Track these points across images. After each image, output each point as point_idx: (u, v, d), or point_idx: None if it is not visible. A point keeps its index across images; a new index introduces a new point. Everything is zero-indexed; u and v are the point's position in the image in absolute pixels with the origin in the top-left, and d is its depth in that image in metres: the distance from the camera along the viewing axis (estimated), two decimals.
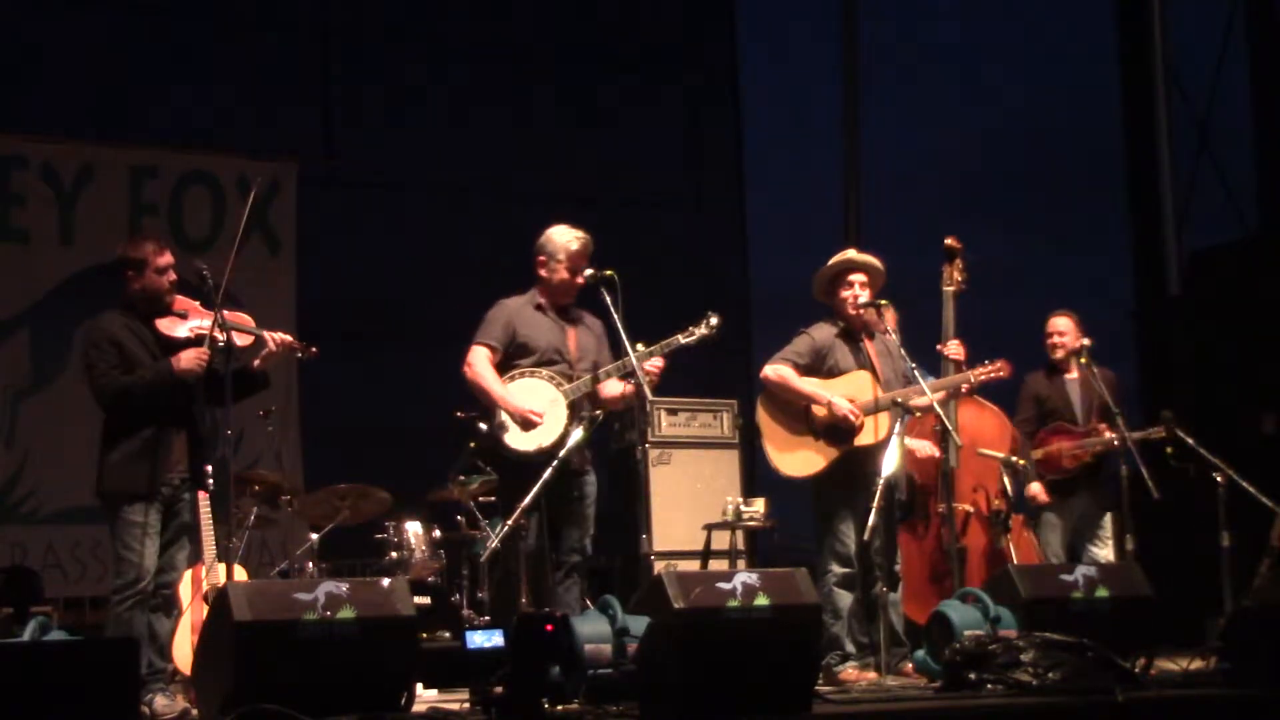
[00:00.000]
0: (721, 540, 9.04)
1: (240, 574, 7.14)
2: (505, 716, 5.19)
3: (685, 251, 11.91)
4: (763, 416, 7.25)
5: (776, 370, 7.18)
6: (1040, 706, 5.58)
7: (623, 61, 12.10)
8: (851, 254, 7.34)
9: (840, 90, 12.71)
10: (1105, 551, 8.12)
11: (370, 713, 5.16)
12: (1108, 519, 8.21)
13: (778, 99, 15.30)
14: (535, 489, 6.33)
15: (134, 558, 6.08)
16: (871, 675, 6.75)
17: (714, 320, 6.78)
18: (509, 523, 6.48)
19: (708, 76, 12.57)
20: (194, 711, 6.01)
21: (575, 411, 6.72)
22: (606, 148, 11.81)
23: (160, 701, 6.06)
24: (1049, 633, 5.92)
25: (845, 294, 7.17)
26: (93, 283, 9.41)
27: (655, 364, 6.67)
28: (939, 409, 6.93)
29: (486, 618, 7.86)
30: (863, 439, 7.01)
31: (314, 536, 8.14)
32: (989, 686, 5.76)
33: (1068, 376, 8.32)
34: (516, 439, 6.71)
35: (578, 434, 6.54)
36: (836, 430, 7.05)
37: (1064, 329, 8.32)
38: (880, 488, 6.61)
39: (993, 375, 7.24)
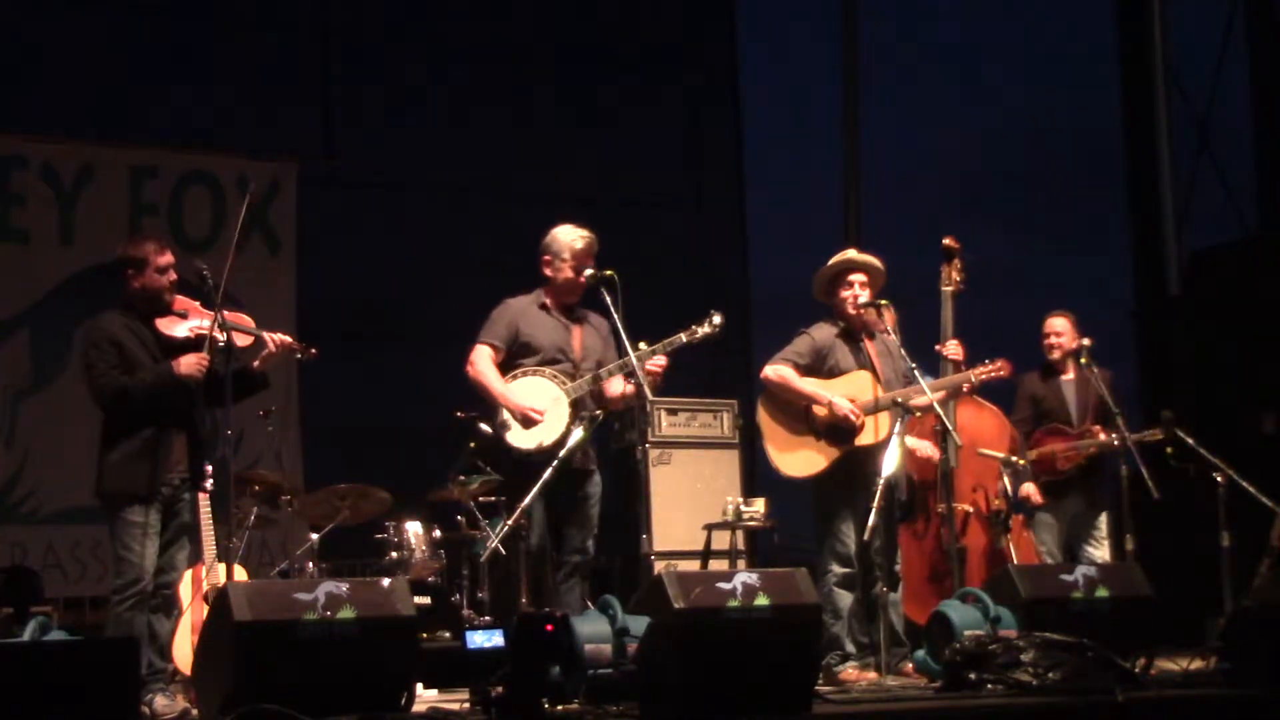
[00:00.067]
0: (721, 540, 9.04)
1: (240, 574, 7.14)
2: (505, 716, 5.19)
3: (685, 251, 11.91)
4: (763, 417, 7.25)
5: (777, 370, 7.18)
6: (1040, 706, 5.58)
7: (623, 61, 12.10)
8: (851, 254, 7.34)
9: (840, 90, 12.72)
10: (1101, 552, 8.12)
11: (370, 713, 5.16)
12: (1103, 519, 8.22)
13: (778, 99, 15.32)
14: (535, 489, 6.33)
15: (134, 558, 6.07)
16: (871, 675, 6.75)
17: (716, 319, 6.78)
18: (509, 522, 6.49)
19: (708, 76, 12.57)
20: (194, 711, 6.01)
21: (577, 410, 6.72)
22: (606, 148, 11.81)
23: (160, 701, 6.06)
24: (1049, 633, 5.92)
25: (845, 294, 7.17)
26: (93, 283, 9.41)
27: (658, 363, 6.67)
28: (939, 409, 6.93)
29: (486, 618, 7.86)
30: (863, 439, 7.01)
31: (314, 536, 8.14)
32: (989, 686, 5.75)
33: (1064, 378, 8.32)
34: (518, 437, 6.72)
35: (578, 433, 6.54)
36: (837, 430, 7.05)
37: (1061, 329, 8.32)
38: (880, 488, 6.61)
39: (993, 375, 7.25)
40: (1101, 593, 6.38)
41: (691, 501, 9.33)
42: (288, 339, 6.44)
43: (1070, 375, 8.31)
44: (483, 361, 6.83)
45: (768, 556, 9.26)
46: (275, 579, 7.90)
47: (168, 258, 6.27)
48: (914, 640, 6.82)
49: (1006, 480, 7.99)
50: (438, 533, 8.45)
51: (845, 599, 6.98)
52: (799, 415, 7.15)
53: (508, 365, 6.84)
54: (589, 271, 6.77)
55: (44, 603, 8.49)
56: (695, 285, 11.13)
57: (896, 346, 7.12)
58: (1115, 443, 7.87)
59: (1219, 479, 7.96)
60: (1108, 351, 8.61)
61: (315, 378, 9.63)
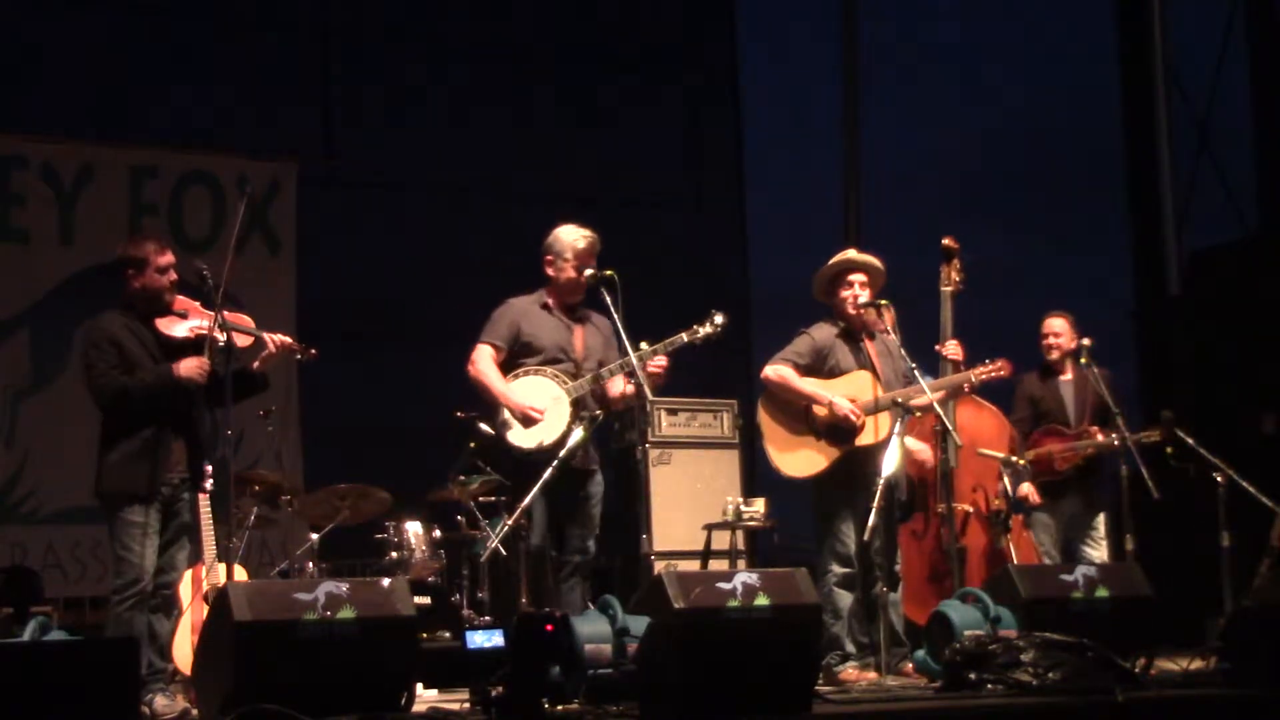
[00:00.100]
0: (721, 540, 9.04)
1: (240, 574, 7.14)
2: (505, 716, 5.19)
3: (685, 251, 11.91)
4: (763, 417, 7.25)
5: (777, 370, 7.18)
6: (1040, 706, 5.58)
7: (623, 61, 12.10)
8: (851, 254, 7.34)
9: (840, 90, 12.72)
10: (1098, 552, 8.12)
11: (370, 713, 5.16)
12: (1100, 519, 8.22)
13: (778, 99, 15.32)
14: (535, 488, 6.33)
15: (133, 558, 6.07)
16: (871, 675, 6.75)
17: (719, 319, 6.78)
18: (509, 522, 6.49)
19: (708, 76, 12.57)
20: (194, 711, 6.02)
21: (578, 410, 6.73)
22: (606, 148, 11.81)
23: (160, 701, 6.06)
24: (1049, 633, 5.93)
25: (845, 294, 7.17)
26: (93, 283, 9.41)
27: (659, 362, 6.67)
28: (939, 409, 6.93)
29: (486, 618, 7.86)
30: (863, 439, 7.01)
31: (314, 536, 8.14)
32: (989, 686, 5.76)
33: (1062, 378, 8.32)
34: (519, 436, 6.72)
35: (578, 433, 6.54)
36: (837, 430, 7.05)
37: (1059, 330, 8.32)
38: (880, 488, 6.61)
39: (993, 375, 7.24)
40: (1101, 593, 6.38)
41: (691, 501, 9.33)
42: (288, 340, 6.44)
43: (1068, 376, 8.31)
44: (484, 361, 6.84)
45: (768, 556, 9.26)
46: (275, 579, 7.90)
47: (168, 258, 6.27)
48: (914, 640, 6.82)
49: (1006, 480, 7.98)
50: (438, 533, 8.45)
51: (845, 599, 6.97)
52: (799, 415, 7.15)
53: (510, 365, 6.84)
54: (589, 271, 6.77)
55: (44, 603, 8.49)
56: (695, 285, 11.13)
57: (896, 346, 7.12)
58: (1115, 443, 7.86)
59: (1219, 479, 7.96)
60: (1108, 351, 8.61)
61: (315, 378, 9.63)
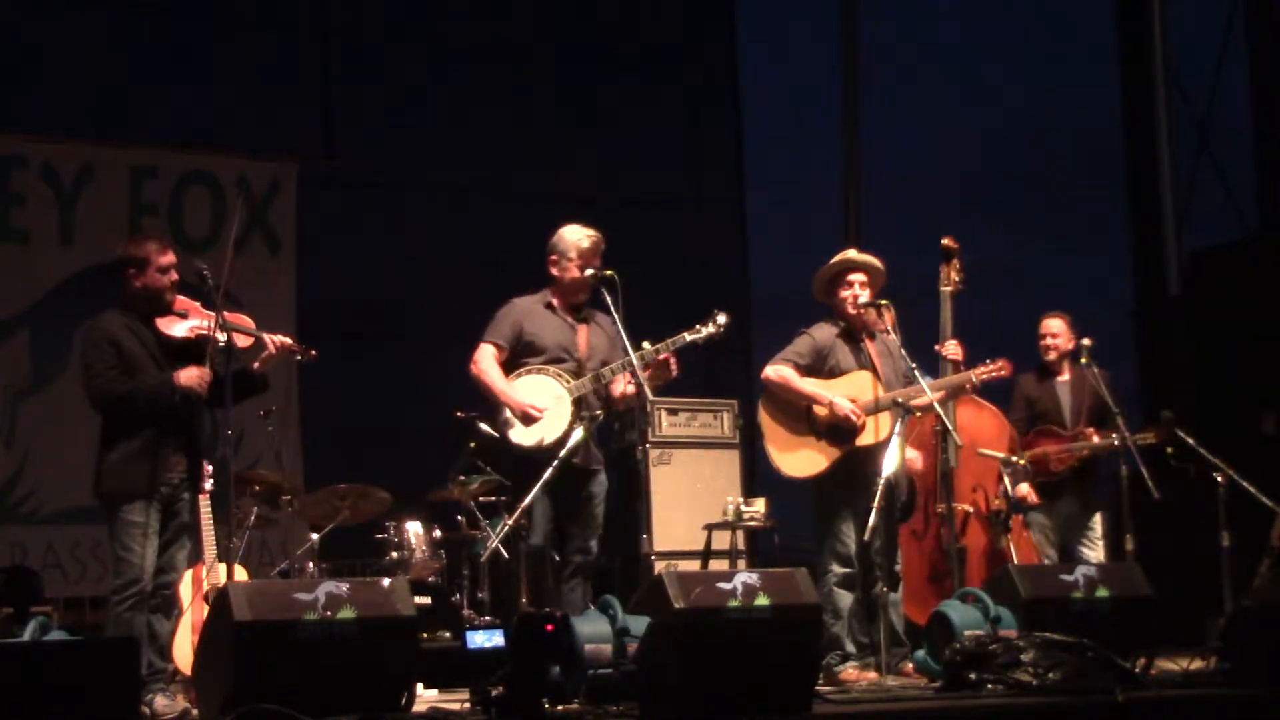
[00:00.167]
0: (722, 540, 9.04)
1: (240, 574, 7.14)
2: (505, 716, 5.19)
3: (685, 251, 11.91)
4: (764, 417, 7.24)
5: (778, 371, 7.18)
6: (1040, 706, 5.58)
7: (623, 61, 12.10)
8: (851, 254, 7.34)
9: (840, 90, 12.71)
10: (1095, 553, 8.12)
11: (370, 713, 5.16)
12: (1097, 520, 8.22)
13: (778, 99, 15.32)
14: (535, 488, 6.34)
15: (133, 558, 6.06)
16: (872, 675, 6.75)
17: (721, 319, 6.77)
18: (509, 522, 6.49)
19: (708, 76, 12.57)
20: (194, 711, 6.02)
21: (579, 409, 6.73)
22: (606, 148, 11.81)
23: (160, 701, 6.06)
24: (1049, 633, 5.93)
25: (845, 294, 7.17)
26: (93, 283, 9.41)
27: (669, 360, 6.67)
28: (939, 409, 6.93)
29: (487, 618, 7.87)
30: (864, 439, 7.00)
31: (314, 536, 8.15)
32: (989, 686, 5.76)
33: (1059, 379, 8.32)
34: (520, 434, 6.73)
35: (578, 433, 6.55)
36: (838, 430, 7.05)
37: (1057, 331, 8.31)
38: (880, 488, 6.61)
39: (994, 375, 7.24)
40: (1101, 593, 6.38)
41: (691, 501, 9.33)
42: (288, 340, 6.43)
43: (1066, 376, 8.31)
44: (486, 360, 6.84)
45: (768, 556, 9.26)
46: (275, 579, 7.90)
47: (169, 257, 6.27)
48: (914, 640, 6.82)
49: (1007, 480, 7.98)
50: (438, 533, 8.46)
51: (845, 599, 6.97)
52: (800, 415, 7.15)
53: (512, 364, 6.85)
54: (589, 272, 6.77)
55: (44, 603, 8.49)
56: (695, 285, 11.13)
57: (897, 346, 7.11)
58: (1115, 443, 7.86)
59: (1219, 479, 7.96)
60: (1108, 351, 8.61)
61: (315, 378, 9.63)
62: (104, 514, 6.22)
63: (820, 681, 6.05)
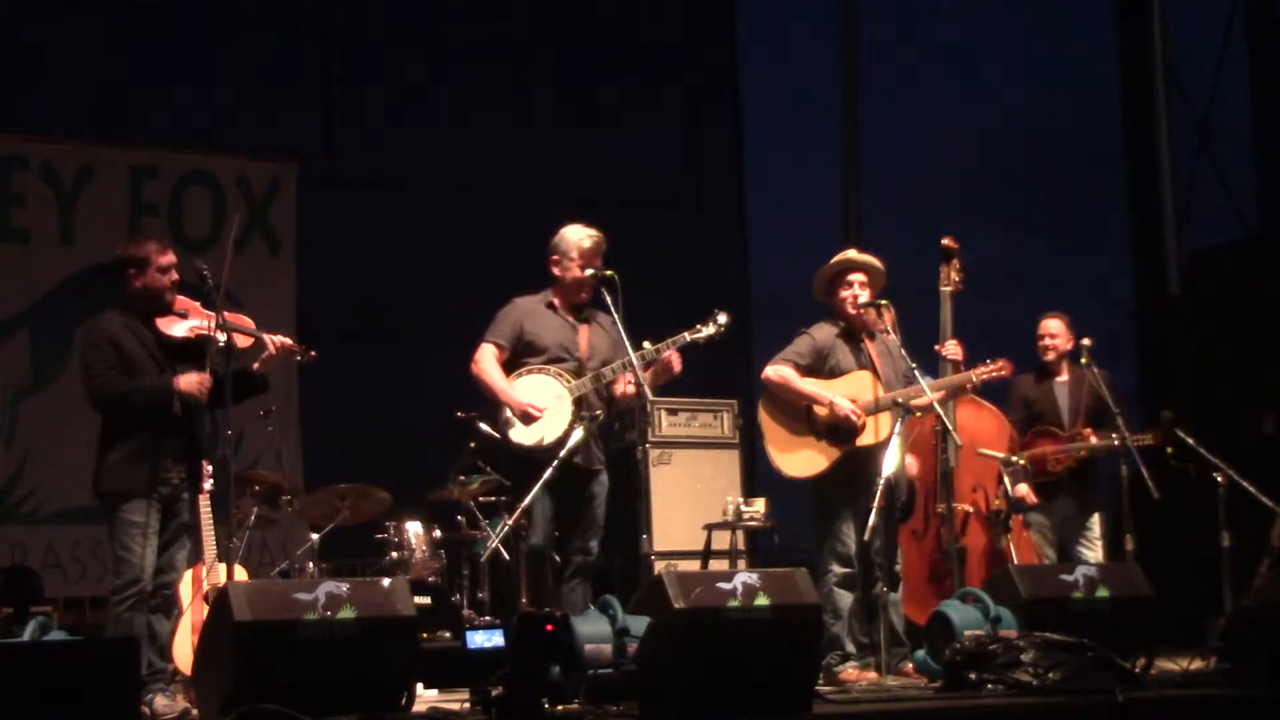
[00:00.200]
0: (722, 540, 9.04)
1: (240, 574, 7.14)
2: (505, 716, 5.19)
3: (685, 251, 11.91)
4: (764, 417, 7.24)
5: (778, 371, 7.18)
6: (1040, 706, 5.58)
7: (623, 61, 12.10)
8: (851, 254, 7.34)
9: (840, 90, 12.71)
10: (1093, 553, 8.12)
11: (370, 713, 5.16)
12: (1095, 520, 8.22)
13: (778, 99, 15.32)
14: (535, 488, 6.34)
15: (133, 558, 6.06)
16: (872, 675, 6.75)
17: (722, 318, 6.77)
18: (509, 522, 6.50)
19: (708, 76, 12.57)
20: (194, 711, 6.01)
21: (580, 409, 6.73)
22: (606, 148, 11.81)
23: (160, 701, 6.06)
24: (1049, 633, 5.93)
25: (845, 294, 7.17)
26: (93, 283, 9.41)
27: (673, 358, 6.67)
28: (939, 409, 6.93)
29: (487, 618, 7.87)
30: (864, 439, 7.01)
31: (314, 536, 8.15)
32: (989, 686, 5.76)
33: (1057, 380, 8.31)
34: (519, 434, 6.73)
35: (578, 433, 6.55)
36: (838, 430, 7.05)
37: (1055, 331, 8.31)
38: (880, 488, 6.61)
39: (994, 375, 7.24)
40: (1101, 593, 6.38)
41: (691, 501, 9.33)
42: (287, 341, 6.43)
43: (1064, 377, 8.30)
44: (486, 360, 6.85)
45: (768, 556, 9.26)
46: (275, 579, 7.90)
47: (170, 257, 6.27)
48: (914, 640, 6.82)
49: (1007, 480, 7.98)
50: (438, 533, 8.46)
51: (845, 599, 6.97)
52: (800, 415, 7.15)
53: (513, 364, 6.85)
54: (589, 271, 6.78)
55: (44, 603, 8.49)
56: (695, 285, 11.13)
57: (897, 346, 7.11)
58: (1116, 443, 7.85)
59: (1219, 479, 7.96)
60: (1108, 351, 8.61)
61: (315, 378, 9.62)
62: (103, 514, 6.22)
63: (820, 681, 6.06)
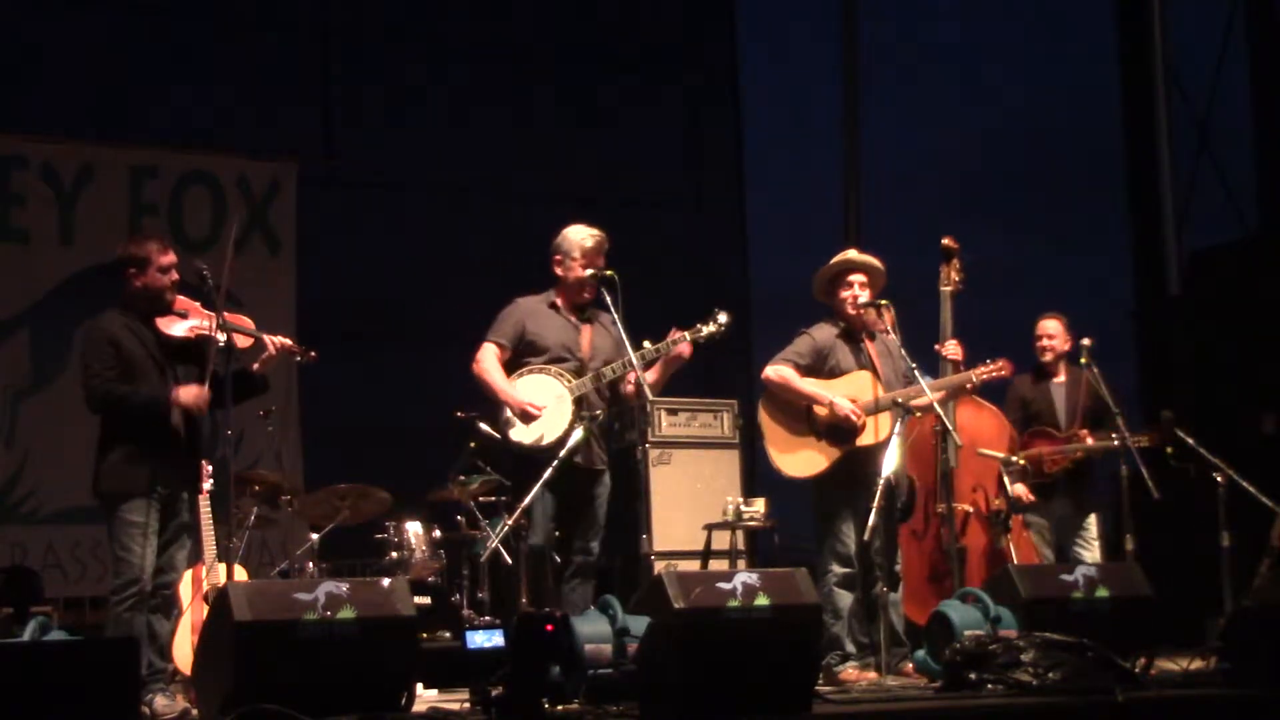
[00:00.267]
0: (722, 540, 9.04)
1: (240, 574, 7.14)
2: (505, 716, 5.19)
3: (685, 251, 11.91)
4: (764, 417, 7.25)
5: (778, 371, 7.18)
6: (1040, 706, 5.58)
7: (623, 61, 12.10)
8: (851, 254, 7.34)
9: (840, 90, 12.71)
10: (1091, 554, 8.11)
11: (370, 713, 5.16)
12: (1092, 520, 8.22)
13: (778, 99, 15.33)
14: (535, 488, 6.34)
15: (132, 558, 6.06)
16: (872, 675, 6.75)
17: (722, 317, 6.77)
18: (509, 522, 6.50)
19: (708, 76, 12.57)
20: (194, 711, 6.01)
21: (580, 408, 6.74)
22: (606, 148, 11.81)
23: (160, 701, 6.06)
24: (1049, 633, 5.93)
25: (845, 294, 7.17)
26: (93, 283, 9.41)
27: (683, 349, 6.67)
28: (939, 409, 6.93)
29: (486, 618, 7.87)
30: (864, 439, 7.01)
31: (314, 536, 8.15)
32: (989, 686, 5.76)
33: (1055, 380, 8.31)
34: (519, 433, 6.74)
35: (578, 433, 6.55)
36: (838, 430, 7.05)
37: (1053, 332, 8.30)
38: (880, 488, 6.61)
39: (994, 375, 7.24)
40: (1101, 593, 6.38)
41: (691, 501, 9.32)
42: (287, 341, 6.43)
43: (1061, 378, 8.30)
44: (488, 359, 6.86)
45: (768, 556, 9.26)
46: (275, 579, 7.90)
47: (170, 257, 6.27)
48: (914, 640, 6.82)
49: (1006, 480, 7.98)
50: (438, 533, 8.46)
51: (845, 599, 6.97)
52: (800, 415, 7.15)
53: (515, 363, 6.86)
54: (589, 271, 6.78)
55: (44, 603, 8.49)
56: (695, 285, 11.13)
57: (897, 346, 7.11)
58: (1115, 443, 7.85)
59: (1219, 479, 7.96)
60: (1108, 351, 8.60)
61: (315, 378, 9.62)
62: (103, 514, 6.22)
63: (820, 681, 6.05)
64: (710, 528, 9.02)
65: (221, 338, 6.17)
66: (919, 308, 7.63)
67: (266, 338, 6.36)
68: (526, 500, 6.38)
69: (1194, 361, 11.48)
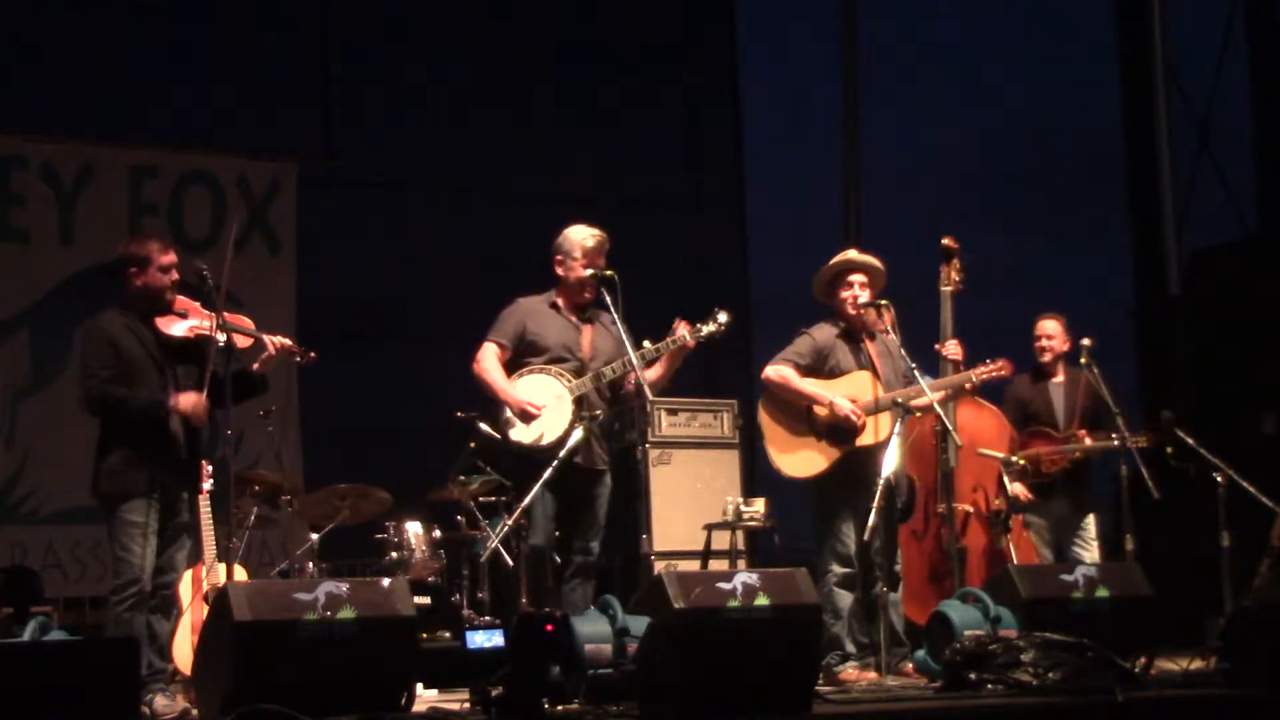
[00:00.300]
0: (721, 540, 9.04)
1: (240, 574, 7.14)
2: (505, 716, 5.19)
3: (685, 251, 11.91)
4: (764, 417, 7.25)
5: (778, 371, 7.18)
6: (1040, 706, 5.58)
7: (623, 61, 12.10)
8: (851, 254, 7.34)
9: (840, 90, 12.72)
10: (1089, 554, 8.12)
11: (370, 713, 5.16)
12: (1090, 521, 8.22)
13: (778, 99, 15.34)
14: (535, 488, 6.34)
15: (132, 558, 6.06)
16: (871, 675, 6.76)
17: (722, 317, 6.77)
18: (509, 522, 6.50)
19: (708, 76, 12.57)
20: (194, 711, 6.01)
21: (580, 408, 6.74)
22: (606, 148, 11.81)
23: (160, 701, 6.06)
24: (1049, 633, 5.93)
25: (845, 294, 7.17)
26: (93, 283, 9.41)
27: (686, 340, 6.68)
28: (939, 409, 6.93)
29: (487, 618, 7.87)
30: (864, 439, 7.01)
31: (314, 536, 8.15)
32: (989, 686, 5.76)
33: (1053, 381, 8.30)
34: (519, 432, 6.75)
35: (578, 433, 6.56)
36: (838, 431, 7.05)
37: (1052, 332, 8.30)
38: (880, 488, 6.61)
39: (994, 374, 7.25)
40: (1101, 593, 6.38)
41: (691, 501, 9.33)
42: (287, 342, 6.43)
43: (1060, 378, 8.30)
44: (488, 359, 6.86)
45: (768, 556, 9.26)
46: (275, 579, 7.90)
47: (171, 257, 6.26)
48: (914, 640, 6.82)
49: (1006, 480, 7.97)
50: (438, 533, 8.45)
51: (845, 599, 6.98)
52: (800, 416, 7.15)
53: (516, 364, 6.86)
54: (589, 271, 6.79)
55: (44, 603, 8.49)
56: (695, 285, 11.13)
57: (897, 347, 7.12)
58: (1115, 443, 7.85)
59: (1219, 479, 7.95)
60: (1108, 352, 8.60)
61: (315, 378, 9.61)
62: (103, 514, 6.22)
63: (820, 681, 6.06)
64: (710, 528, 9.02)
65: (221, 338, 6.17)
66: (919, 308, 7.63)
67: (266, 338, 6.36)
68: (526, 500, 6.38)
69: (1194, 361, 11.48)
